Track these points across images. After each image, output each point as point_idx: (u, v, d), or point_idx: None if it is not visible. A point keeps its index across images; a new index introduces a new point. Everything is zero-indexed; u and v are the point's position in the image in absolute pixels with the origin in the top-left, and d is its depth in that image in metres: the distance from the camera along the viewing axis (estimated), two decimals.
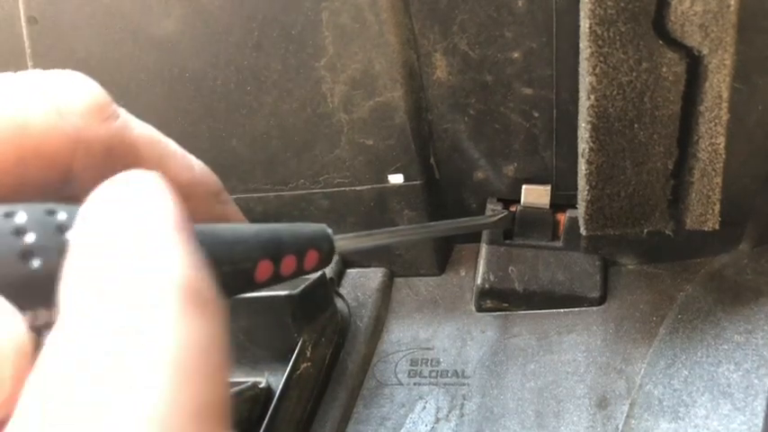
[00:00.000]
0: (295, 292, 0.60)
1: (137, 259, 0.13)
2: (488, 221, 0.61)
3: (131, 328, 0.12)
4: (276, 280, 0.23)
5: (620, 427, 0.54)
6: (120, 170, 0.16)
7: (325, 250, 0.25)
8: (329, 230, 0.26)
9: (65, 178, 0.18)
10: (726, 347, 0.54)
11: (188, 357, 0.13)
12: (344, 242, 0.30)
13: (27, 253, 0.15)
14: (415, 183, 0.64)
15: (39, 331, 0.15)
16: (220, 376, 0.14)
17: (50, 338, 0.13)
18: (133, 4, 0.60)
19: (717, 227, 0.52)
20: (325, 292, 0.64)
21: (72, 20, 0.61)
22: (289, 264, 0.23)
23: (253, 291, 0.22)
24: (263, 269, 0.22)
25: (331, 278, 0.68)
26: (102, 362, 0.12)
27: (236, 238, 0.21)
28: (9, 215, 0.15)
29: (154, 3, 0.59)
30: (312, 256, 0.24)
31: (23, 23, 0.62)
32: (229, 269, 0.20)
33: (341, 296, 0.69)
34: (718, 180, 0.50)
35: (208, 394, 0.13)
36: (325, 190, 0.66)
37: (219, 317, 0.14)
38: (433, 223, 0.57)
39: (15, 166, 0.17)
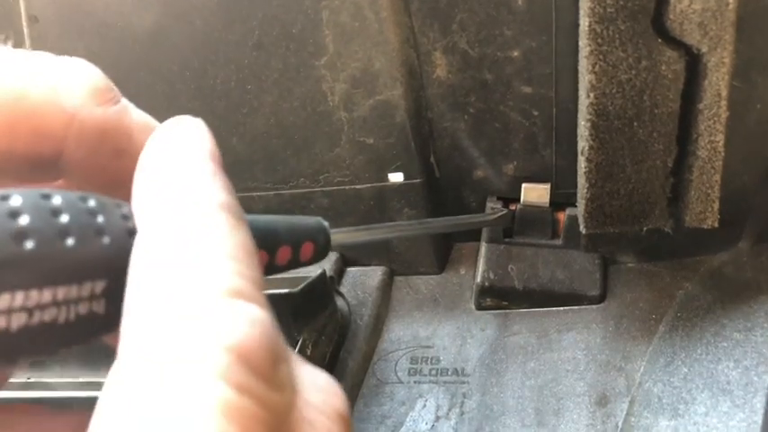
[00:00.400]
0: (295, 290, 0.60)
1: (195, 186, 0.17)
2: (488, 219, 0.61)
3: (195, 232, 0.16)
4: (271, 270, 0.23)
5: (620, 424, 0.55)
6: (111, 154, 0.18)
7: (321, 242, 0.25)
8: (326, 223, 0.26)
9: (54, 155, 0.19)
10: (725, 345, 0.54)
11: (240, 248, 0.16)
12: (341, 236, 0.30)
13: (21, 234, 0.15)
14: (415, 181, 0.64)
15: (30, 312, 0.15)
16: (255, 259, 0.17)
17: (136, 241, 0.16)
18: (134, 4, 0.60)
19: (716, 225, 0.52)
20: (325, 290, 0.64)
21: (73, 19, 0.61)
22: (284, 254, 0.23)
23: None
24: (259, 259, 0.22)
25: (331, 277, 0.68)
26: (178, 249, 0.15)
27: None
28: (4, 198, 0.16)
29: (154, 2, 0.59)
30: (307, 248, 0.25)
31: (24, 23, 0.62)
32: None
33: (341, 295, 0.69)
34: (718, 178, 0.50)
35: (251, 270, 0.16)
36: (325, 188, 0.66)
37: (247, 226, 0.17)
38: (431, 219, 0.56)
39: (6, 133, 0.17)
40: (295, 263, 0.24)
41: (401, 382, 0.63)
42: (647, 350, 0.59)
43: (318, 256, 0.26)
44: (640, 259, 0.66)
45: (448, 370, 0.63)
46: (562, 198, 0.64)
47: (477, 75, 0.59)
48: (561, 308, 0.65)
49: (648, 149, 0.50)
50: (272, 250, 0.23)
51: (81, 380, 0.65)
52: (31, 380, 0.66)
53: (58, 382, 0.65)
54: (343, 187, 0.66)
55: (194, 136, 0.18)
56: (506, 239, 0.66)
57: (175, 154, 0.17)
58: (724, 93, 0.47)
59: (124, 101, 0.21)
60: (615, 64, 0.47)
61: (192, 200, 0.16)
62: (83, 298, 0.16)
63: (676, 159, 0.51)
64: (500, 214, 0.60)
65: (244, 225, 0.17)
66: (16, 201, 0.16)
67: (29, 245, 0.15)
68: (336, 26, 0.57)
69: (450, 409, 0.60)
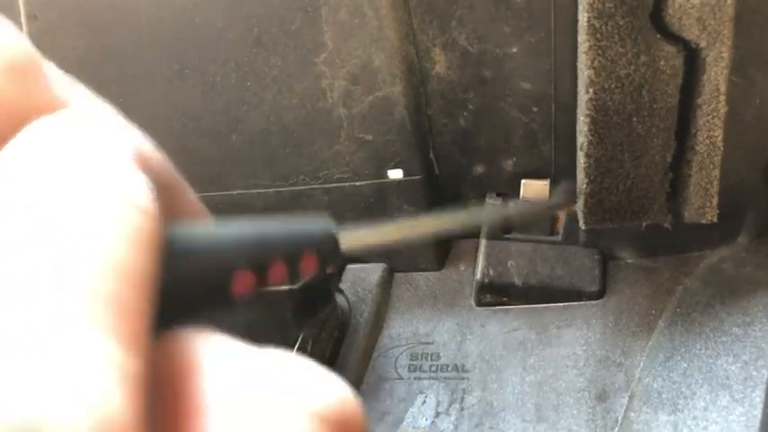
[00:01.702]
0: (295, 287, 0.60)
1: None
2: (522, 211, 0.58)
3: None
4: (261, 295, 0.19)
5: (620, 419, 0.55)
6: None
7: (328, 253, 0.20)
8: (334, 229, 0.21)
9: None
10: (724, 340, 0.55)
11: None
12: (353, 240, 0.24)
13: None
14: (414, 178, 0.64)
15: None
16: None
17: None
18: (133, 2, 0.60)
19: (715, 219, 0.52)
20: (325, 287, 0.64)
21: (72, 17, 0.61)
22: (277, 273, 0.19)
23: (230, 308, 0.18)
24: (243, 281, 0.18)
25: (331, 273, 0.68)
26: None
27: (205, 241, 0.17)
28: None
29: (154, 0, 0.59)
30: (309, 263, 0.20)
31: (24, 21, 0.62)
32: (195, 281, 0.17)
33: (341, 291, 0.69)
34: (716, 173, 0.51)
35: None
36: (324, 185, 0.66)
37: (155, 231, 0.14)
38: (457, 212, 0.48)
39: None
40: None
41: (401, 379, 0.63)
42: (646, 345, 0.59)
43: (322, 271, 0.20)
44: (639, 255, 0.66)
45: (448, 366, 0.63)
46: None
47: (476, 71, 0.59)
48: (561, 304, 0.65)
49: (647, 145, 0.51)
50: (260, 269, 0.18)
51: None
52: None
53: None
54: (342, 184, 0.66)
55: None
56: (506, 236, 0.66)
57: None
58: (723, 88, 0.47)
59: (50, 79, 0.17)
60: (614, 59, 0.47)
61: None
62: None
63: (675, 154, 0.51)
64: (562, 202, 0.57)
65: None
66: None
67: None
68: (335, 23, 0.57)
69: (450, 405, 0.60)
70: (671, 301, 0.62)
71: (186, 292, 0.16)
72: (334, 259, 0.20)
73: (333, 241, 0.20)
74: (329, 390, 0.14)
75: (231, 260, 0.17)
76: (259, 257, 0.18)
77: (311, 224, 0.21)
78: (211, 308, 0.17)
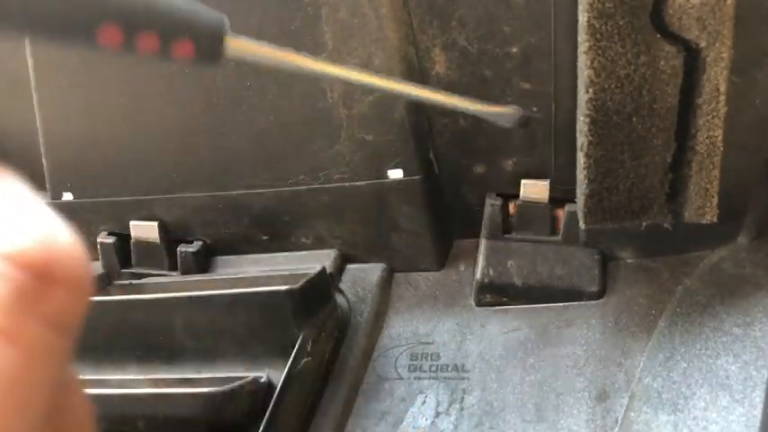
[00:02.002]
0: (295, 287, 0.60)
1: None
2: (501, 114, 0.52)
3: None
4: (129, 50, 0.19)
5: (620, 419, 0.55)
6: None
7: (206, 45, 0.21)
8: (226, 24, 0.21)
9: None
10: (724, 340, 0.55)
11: None
12: (241, 45, 0.23)
13: None
14: (414, 178, 0.64)
15: None
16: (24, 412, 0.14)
17: None
18: None
19: (715, 220, 0.52)
20: (324, 287, 0.64)
21: None
22: (147, 41, 0.19)
23: (96, 51, 0.19)
24: (110, 34, 0.18)
25: (331, 274, 0.68)
26: None
27: None
28: None
29: None
30: (185, 46, 0.20)
31: None
32: (63, 15, 0.17)
33: (341, 291, 0.69)
34: (716, 173, 0.51)
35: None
36: (324, 185, 0.66)
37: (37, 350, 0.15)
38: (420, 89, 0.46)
39: None
40: (165, 55, 0.20)
41: (401, 379, 0.63)
42: (646, 345, 0.59)
43: (200, 59, 0.21)
44: (639, 255, 0.66)
45: (448, 366, 0.63)
46: (561, 194, 0.64)
47: (476, 71, 0.59)
48: (560, 304, 0.65)
49: (647, 145, 0.51)
50: (129, 31, 0.19)
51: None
52: None
53: None
54: (342, 184, 0.66)
55: None
56: (505, 236, 0.66)
57: None
58: (723, 88, 0.47)
59: None
60: (614, 59, 0.47)
61: None
62: None
63: (675, 155, 0.51)
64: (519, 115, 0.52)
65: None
66: None
67: None
68: (335, 23, 0.57)
69: (449, 405, 0.60)
70: (671, 301, 0.62)
71: (54, 19, 0.17)
72: (212, 55, 0.21)
73: (216, 36, 0.21)
74: (27, 231, 0.14)
75: (100, 12, 0.18)
76: (131, 20, 0.19)
77: (207, 13, 0.21)
78: (81, 42, 0.19)
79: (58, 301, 0.15)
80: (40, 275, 0.14)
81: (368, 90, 0.60)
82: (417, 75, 0.60)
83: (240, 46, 0.23)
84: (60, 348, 0.15)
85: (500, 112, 0.48)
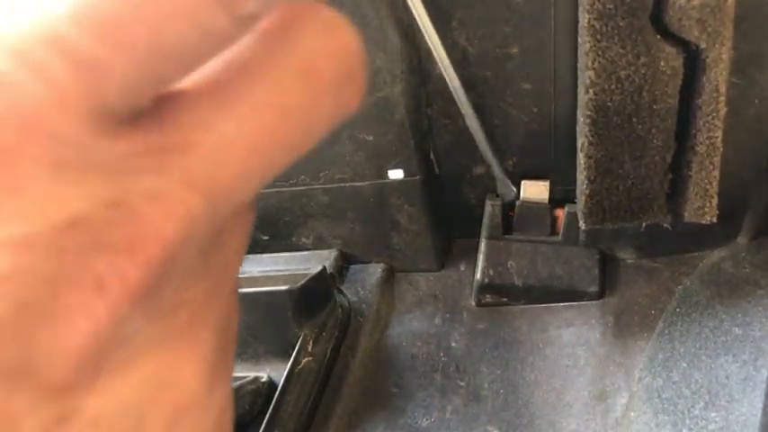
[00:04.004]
0: (295, 287, 0.60)
1: None
2: None
3: None
4: None
5: (619, 419, 0.55)
6: None
7: None
8: None
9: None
10: (724, 340, 0.55)
11: None
12: None
13: None
14: (414, 178, 0.64)
15: None
16: None
17: None
18: None
19: (715, 220, 0.53)
20: (325, 287, 0.64)
21: None
22: None
23: None
24: None
25: (331, 274, 0.68)
26: None
27: None
28: None
29: None
30: None
31: None
32: None
33: (341, 292, 0.69)
34: (716, 173, 0.51)
35: None
36: (325, 185, 0.66)
37: None
38: None
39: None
40: None
41: (402, 378, 0.63)
42: (646, 345, 0.59)
43: None
44: (639, 255, 0.66)
45: (448, 365, 0.63)
46: (561, 195, 0.64)
47: (476, 71, 0.59)
48: (560, 304, 0.65)
49: (647, 145, 0.51)
50: None
51: None
52: None
53: None
54: (343, 184, 0.66)
55: None
56: (506, 236, 0.66)
57: None
58: (722, 88, 0.47)
59: None
60: (614, 60, 0.47)
61: None
62: None
63: (675, 155, 0.51)
64: None
65: None
66: None
67: None
68: None
69: (450, 404, 0.60)
70: (671, 301, 0.62)
71: None
72: None
73: None
74: None
75: None
76: None
77: None
78: None
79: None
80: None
81: (369, 91, 0.60)
82: (418, 75, 0.60)
83: None
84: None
85: None
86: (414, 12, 0.55)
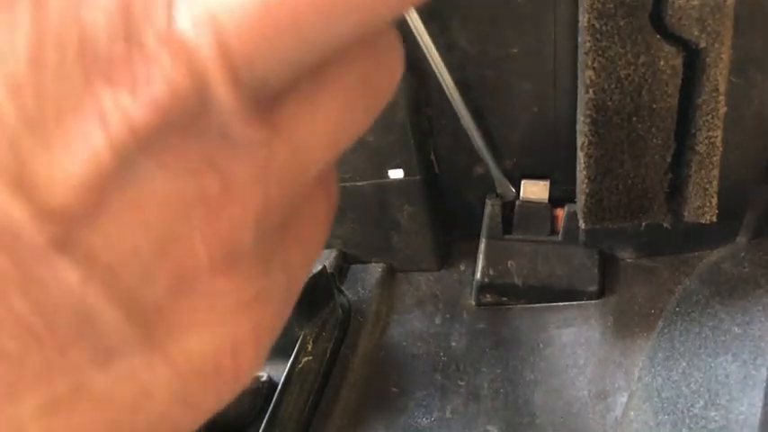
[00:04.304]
0: None
1: None
2: None
3: None
4: None
5: (619, 418, 0.55)
6: None
7: None
8: None
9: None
10: (723, 339, 0.55)
11: None
12: None
13: None
14: (414, 178, 0.65)
15: None
16: None
17: None
18: None
19: (714, 219, 0.53)
20: (325, 286, 0.65)
21: None
22: None
23: None
24: None
25: (331, 273, 0.68)
26: None
27: None
28: None
29: None
30: None
31: None
32: None
33: (341, 291, 0.69)
34: (716, 173, 0.51)
35: None
36: None
37: None
38: None
39: None
40: None
41: (402, 378, 0.63)
42: (645, 345, 0.59)
43: None
44: (639, 254, 0.67)
45: (448, 365, 0.63)
46: (561, 194, 0.64)
47: (476, 72, 0.59)
48: (560, 303, 0.65)
49: (647, 145, 0.51)
50: None
51: None
52: None
53: None
54: (343, 184, 0.66)
55: None
56: (506, 236, 0.66)
57: None
58: (722, 88, 0.47)
59: None
60: (614, 60, 0.47)
61: None
62: None
63: (675, 155, 0.52)
64: None
65: None
66: None
67: None
68: None
69: (450, 404, 0.60)
70: (670, 301, 0.62)
71: None
72: None
73: None
74: None
75: None
76: None
77: None
78: None
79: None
80: None
81: None
82: (418, 76, 0.60)
83: None
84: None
85: None
86: (406, 15, 0.55)
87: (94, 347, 0.12)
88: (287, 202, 0.13)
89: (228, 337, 0.13)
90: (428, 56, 0.57)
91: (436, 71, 0.58)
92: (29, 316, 0.12)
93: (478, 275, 0.66)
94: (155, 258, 0.12)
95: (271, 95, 0.12)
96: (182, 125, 0.11)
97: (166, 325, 0.13)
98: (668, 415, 0.52)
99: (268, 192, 0.13)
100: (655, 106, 0.49)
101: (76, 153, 0.11)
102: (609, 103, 0.49)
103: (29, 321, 0.12)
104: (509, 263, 0.66)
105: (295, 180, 0.13)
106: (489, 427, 0.58)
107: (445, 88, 0.59)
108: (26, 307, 0.11)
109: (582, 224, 0.56)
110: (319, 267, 0.64)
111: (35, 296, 0.11)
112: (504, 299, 0.67)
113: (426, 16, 0.57)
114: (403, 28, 0.57)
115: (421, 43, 0.57)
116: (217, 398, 0.14)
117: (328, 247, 0.72)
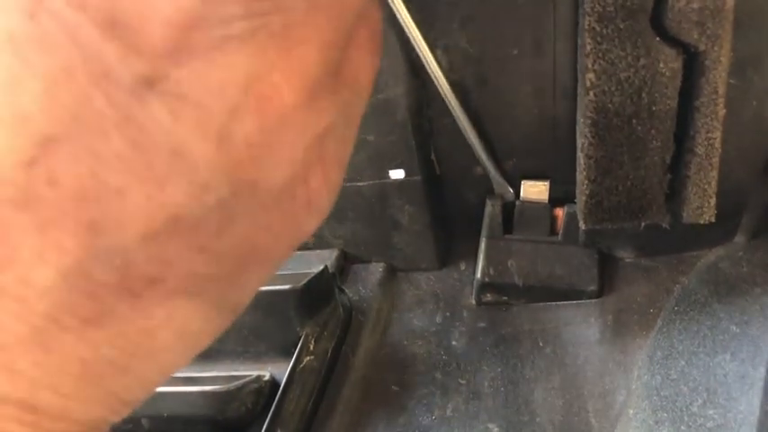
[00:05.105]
0: (297, 286, 0.61)
1: None
2: None
3: None
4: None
5: (618, 416, 0.55)
6: None
7: None
8: None
9: None
10: (722, 338, 0.55)
11: None
12: None
13: None
14: (415, 178, 0.65)
15: None
16: None
17: None
18: None
19: (713, 220, 0.53)
20: (327, 286, 0.65)
21: None
22: None
23: None
24: None
25: (333, 273, 0.69)
26: None
27: None
28: None
29: None
30: None
31: None
32: None
33: (343, 291, 0.70)
34: (715, 174, 0.51)
35: None
36: None
37: None
38: None
39: None
40: None
41: (403, 376, 0.63)
42: (644, 343, 0.60)
43: None
44: (638, 254, 0.67)
45: (449, 364, 0.64)
46: (561, 195, 0.64)
47: (477, 73, 0.59)
48: (560, 303, 0.66)
49: (647, 146, 0.51)
50: None
51: None
52: None
53: None
54: (344, 184, 0.66)
55: None
56: (506, 235, 0.67)
57: None
58: (721, 90, 0.48)
59: None
60: (614, 62, 0.48)
61: None
62: None
63: (674, 156, 0.52)
64: None
65: None
66: None
67: None
68: None
69: (450, 404, 0.60)
70: (669, 300, 0.62)
71: None
72: None
73: None
74: None
75: None
76: None
77: None
78: None
79: None
80: None
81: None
82: (419, 76, 0.60)
83: None
84: None
85: None
86: (400, 19, 0.55)
87: (189, 182, 0.13)
88: (340, 38, 0.15)
89: (300, 164, 0.15)
90: (423, 58, 0.58)
91: (431, 74, 0.58)
92: (128, 153, 0.12)
93: (479, 275, 0.67)
94: (242, 95, 0.13)
95: None
96: None
97: (254, 159, 0.14)
98: (667, 413, 0.53)
99: (321, 27, 0.14)
100: (654, 108, 0.49)
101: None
102: (609, 105, 0.49)
103: (129, 158, 0.12)
104: (509, 262, 0.66)
105: (340, 12, 0.14)
106: (490, 425, 0.58)
107: (441, 91, 0.59)
108: (125, 144, 0.12)
109: (582, 225, 0.56)
110: (321, 267, 0.64)
111: (132, 134, 0.12)
112: (505, 298, 0.67)
113: (426, 17, 0.57)
114: (397, 29, 0.58)
115: (416, 46, 0.57)
116: (295, 225, 0.16)
117: (329, 246, 0.73)
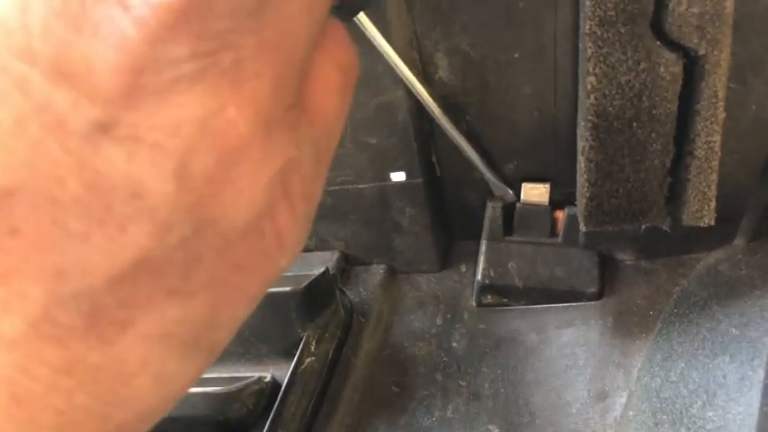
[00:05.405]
0: (299, 288, 0.61)
1: None
2: None
3: None
4: None
5: (618, 418, 0.56)
6: None
7: None
8: None
9: None
10: (721, 340, 0.56)
11: None
12: None
13: None
14: (416, 180, 0.65)
15: None
16: None
17: None
18: None
19: (713, 223, 0.53)
20: (328, 288, 0.65)
21: None
22: None
23: None
24: None
25: (334, 275, 0.69)
26: None
27: None
28: None
29: None
30: None
31: None
32: None
33: (344, 292, 0.70)
34: (714, 177, 0.52)
35: None
36: (327, 188, 0.67)
37: None
38: None
39: None
40: None
41: (403, 378, 0.64)
42: (644, 345, 0.60)
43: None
44: (638, 257, 0.67)
45: (449, 365, 0.64)
46: (561, 197, 0.65)
47: (478, 76, 0.60)
48: (560, 304, 0.66)
49: (647, 149, 0.51)
50: None
51: None
52: None
53: None
54: (345, 186, 0.66)
55: None
56: (506, 237, 0.67)
57: None
58: (721, 94, 0.48)
59: None
60: (615, 66, 0.48)
61: None
62: None
63: (674, 159, 0.52)
64: None
65: None
66: None
67: None
68: None
69: (451, 405, 0.61)
70: (669, 302, 0.63)
71: None
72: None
73: None
74: None
75: None
76: None
77: None
78: None
79: None
80: None
81: (371, 95, 0.61)
82: (420, 79, 0.61)
83: None
84: None
85: None
86: (368, 34, 0.55)
87: (151, 222, 0.13)
88: (293, 71, 0.15)
89: (262, 199, 0.15)
90: (398, 72, 0.57)
91: (409, 86, 0.58)
92: (87, 197, 0.12)
93: (479, 277, 0.67)
94: (197, 132, 0.13)
95: None
96: (201, 7, 0.12)
97: (214, 195, 0.14)
98: (666, 415, 0.53)
99: (272, 61, 0.14)
100: (655, 112, 0.50)
101: (107, 37, 0.12)
102: (610, 109, 0.50)
103: (88, 202, 0.12)
104: (509, 264, 0.66)
105: (290, 46, 0.14)
106: (490, 427, 0.58)
107: (426, 106, 0.59)
108: (83, 189, 0.12)
109: (582, 227, 0.57)
110: (322, 269, 0.64)
111: (89, 179, 0.12)
112: (505, 300, 0.67)
113: (428, 21, 0.57)
114: (407, 33, 0.58)
115: (390, 61, 0.56)
116: (266, 262, 0.15)
117: (331, 248, 0.73)
